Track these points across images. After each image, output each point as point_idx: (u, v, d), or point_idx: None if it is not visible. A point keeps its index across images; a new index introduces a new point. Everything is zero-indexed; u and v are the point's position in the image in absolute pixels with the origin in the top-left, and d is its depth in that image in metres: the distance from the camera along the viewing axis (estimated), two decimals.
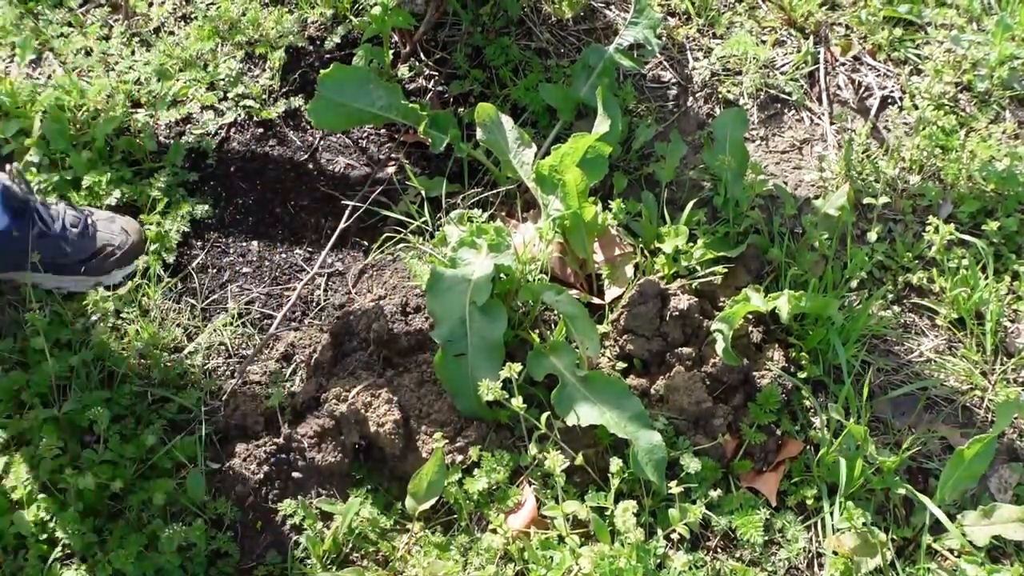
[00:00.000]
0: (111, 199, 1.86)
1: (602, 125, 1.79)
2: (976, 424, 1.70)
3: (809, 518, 1.59)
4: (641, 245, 1.83)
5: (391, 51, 2.10)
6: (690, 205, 1.82)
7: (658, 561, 1.49)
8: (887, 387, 1.73)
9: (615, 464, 1.54)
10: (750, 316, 1.73)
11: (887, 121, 2.07)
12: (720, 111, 2.05)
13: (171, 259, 1.86)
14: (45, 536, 1.50)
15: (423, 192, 1.88)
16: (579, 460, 1.57)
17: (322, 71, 1.88)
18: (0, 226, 1.70)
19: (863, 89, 2.12)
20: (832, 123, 2.07)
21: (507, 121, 1.87)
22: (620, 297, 1.75)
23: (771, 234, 1.84)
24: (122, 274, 1.82)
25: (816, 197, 1.93)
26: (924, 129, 2.01)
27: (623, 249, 1.82)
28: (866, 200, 1.89)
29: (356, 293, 1.83)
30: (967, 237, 1.87)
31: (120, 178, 1.91)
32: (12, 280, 1.78)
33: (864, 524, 1.52)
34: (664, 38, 2.14)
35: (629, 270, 1.78)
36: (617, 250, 1.82)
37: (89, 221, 1.79)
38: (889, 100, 2.11)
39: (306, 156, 2.03)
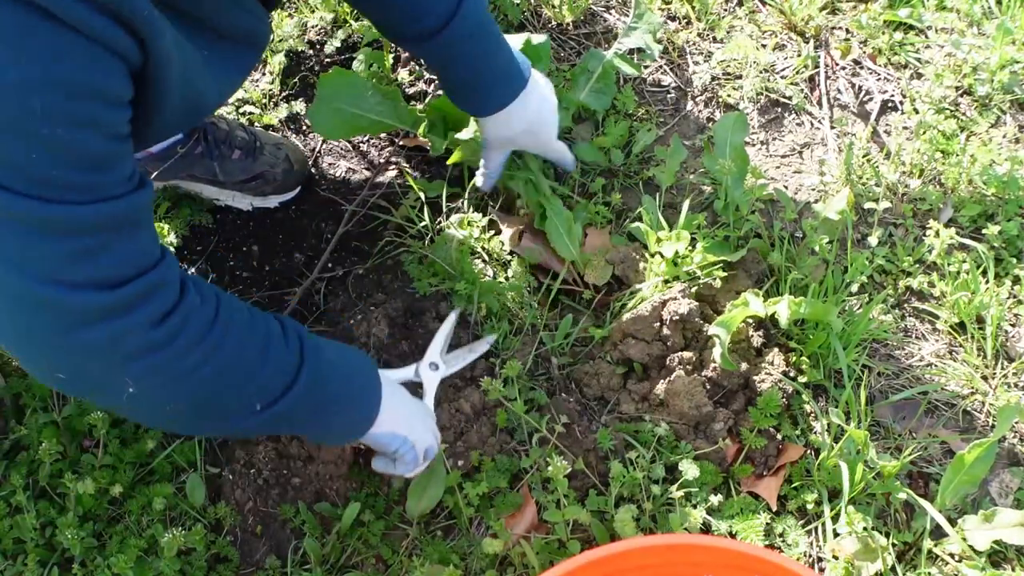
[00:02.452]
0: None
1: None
2: (977, 428, 1.70)
3: (810, 523, 1.59)
4: (641, 249, 1.83)
5: (391, 55, 2.10)
6: (686, 207, 1.81)
7: None
8: (888, 391, 1.73)
9: (615, 468, 1.54)
10: (750, 320, 1.73)
11: (887, 125, 2.07)
12: (720, 115, 2.05)
13: None
14: (44, 541, 1.50)
15: (423, 196, 1.88)
16: (579, 464, 1.57)
17: (321, 75, 1.87)
18: (171, 139, 1.80)
19: (863, 93, 2.12)
20: (832, 127, 2.07)
21: None
22: (609, 288, 1.78)
23: (771, 238, 1.84)
24: (278, 199, 1.92)
25: (816, 201, 1.93)
26: (924, 133, 2.01)
27: (605, 243, 1.82)
28: (866, 204, 1.89)
29: (356, 298, 1.82)
30: (968, 241, 1.87)
31: None
32: (178, 186, 1.90)
33: (865, 529, 1.52)
34: (664, 42, 2.14)
35: (609, 265, 1.79)
36: (599, 243, 1.83)
37: (257, 145, 1.87)
38: (889, 104, 2.11)
39: (307, 160, 2.02)
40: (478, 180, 1.82)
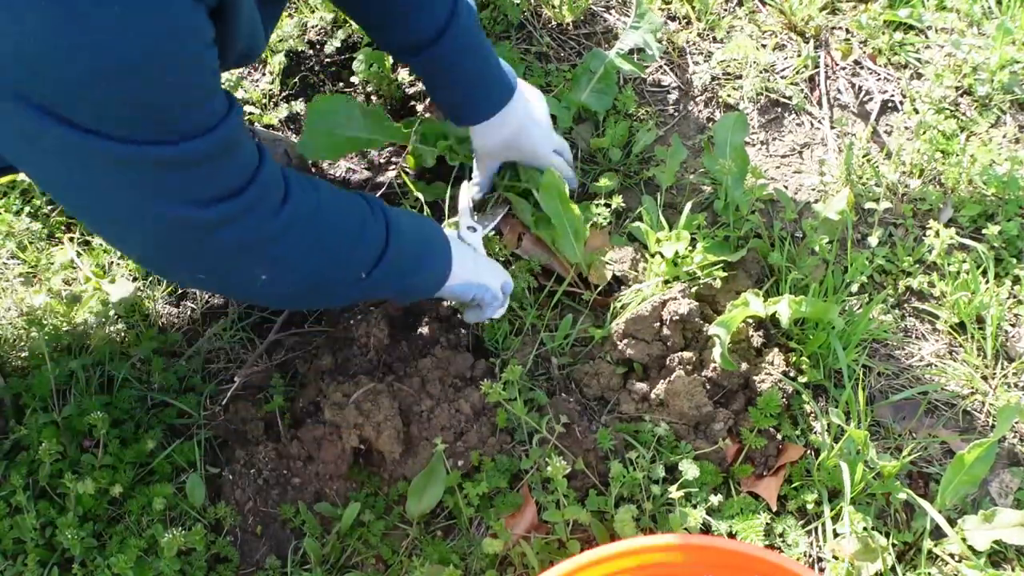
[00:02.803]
0: None
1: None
2: (977, 429, 1.70)
3: (810, 523, 1.59)
4: (641, 249, 1.83)
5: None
6: (688, 208, 1.81)
7: None
8: (888, 392, 1.73)
9: (615, 468, 1.54)
10: (750, 320, 1.73)
11: (887, 125, 2.07)
12: (720, 115, 2.05)
13: None
14: (44, 541, 1.50)
15: (422, 197, 1.88)
16: (579, 464, 1.57)
17: (308, 104, 1.85)
18: None
19: (863, 93, 2.12)
20: (832, 127, 2.07)
21: None
22: (609, 288, 1.78)
23: (771, 238, 1.84)
24: None
25: (816, 201, 1.93)
26: (924, 133, 2.01)
27: (605, 243, 1.82)
28: (867, 204, 1.89)
29: None
30: (968, 241, 1.87)
31: None
32: None
33: (865, 529, 1.52)
34: (664, 42, 2.14)
35: (609, 266, 1.79)
36: (599, 243, 1.83)
37: (256, 143, 1.85)
38: (889, 104, 2.11)
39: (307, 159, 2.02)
40: (472, 191, 1.81)
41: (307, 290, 1.34)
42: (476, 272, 1.59)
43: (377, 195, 1.93)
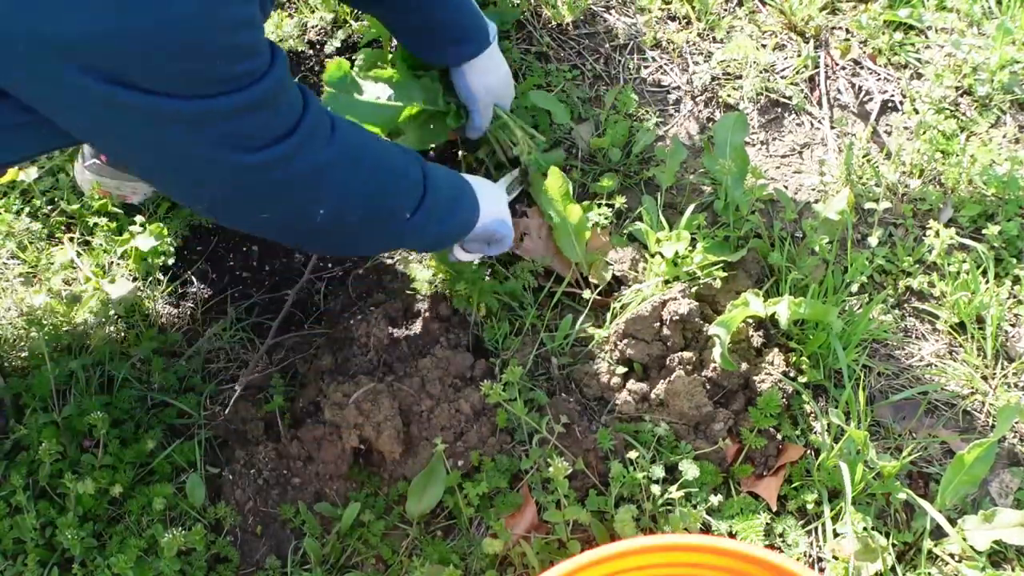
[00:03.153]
0: None
1: None
2: (977, 429, 1.70)
3: (810, 523, 1.59)
4: (642, 249, 1.83)
5: (391, 55, 2.09)
6: (690, 209, 1.81)
7: None
8: (888, 392, 1.73)
9: (615, 468, 1.54)
10: (750, 320, 1.73)
11: (887, 125, 2.07)
12: (720, 115, 2.05)
13: (171, 263, 1.86)
14: (44, 541, 1.50)
15: None
16: (579, 464, 1.57)
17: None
18: None
19: (863, 93, 2.12)
20: (832, 127, 2.07)
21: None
22: (609, 288, 1.78)
23: (771, 238, 1.84)
24: None
25: (816, 201, 1.93)
26: (924, 133, 2.01)
27: (606, 243, 1.82)
28: (867, 204, 1.89)
29: (356, 298, 1.82)
30: (968, 241, 1.87)
31: None
32: None
33: (865, 529, 1.52)
34: (664, 42, 2.14)
35: (609, 266, 1.79)
36: (600, 244, 1.83)
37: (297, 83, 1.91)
38: (889, 104, 2.11)
39: None
40: (470, 133, 1.85)
41: (360, 225, 1.40)
42: (499, 207, 1.66)
43: None
